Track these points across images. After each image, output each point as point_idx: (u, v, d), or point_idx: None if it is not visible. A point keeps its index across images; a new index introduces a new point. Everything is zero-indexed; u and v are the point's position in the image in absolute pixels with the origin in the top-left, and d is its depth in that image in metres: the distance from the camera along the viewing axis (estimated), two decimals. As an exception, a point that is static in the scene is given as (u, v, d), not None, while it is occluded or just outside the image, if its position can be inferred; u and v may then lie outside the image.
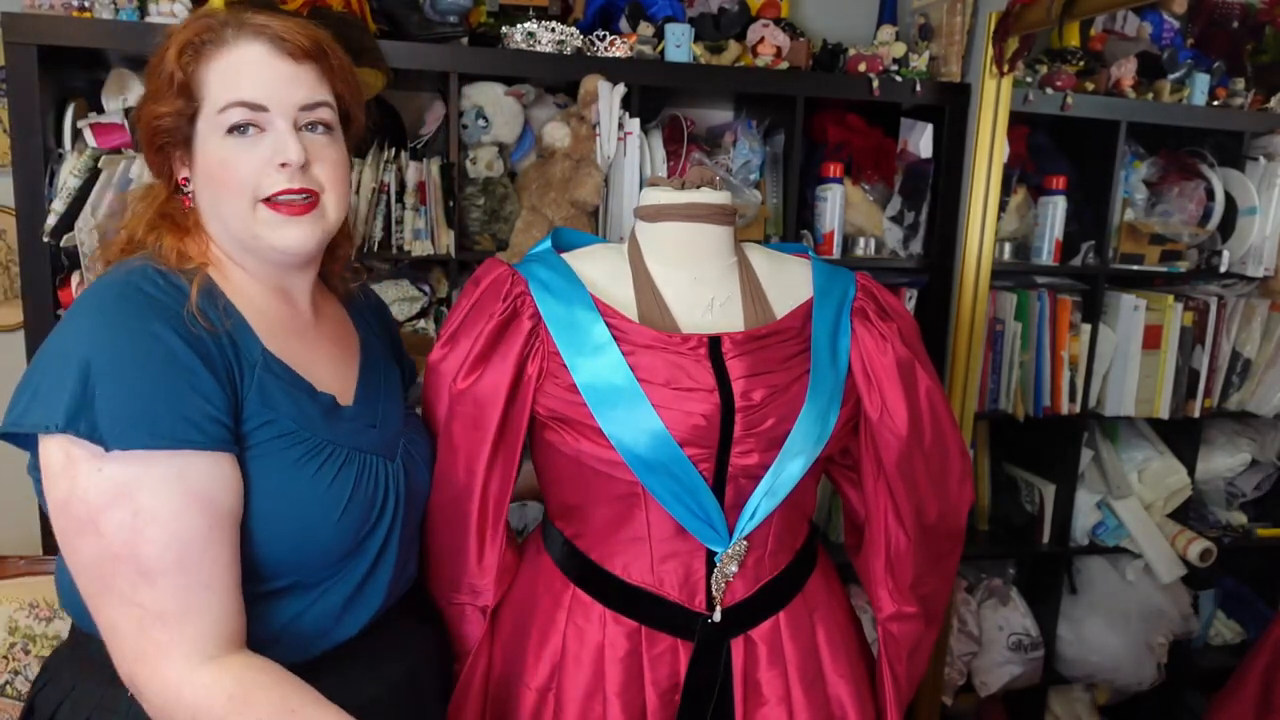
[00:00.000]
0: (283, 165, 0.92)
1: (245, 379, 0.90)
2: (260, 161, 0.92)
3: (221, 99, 0.91)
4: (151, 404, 0.82)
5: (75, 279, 1.67)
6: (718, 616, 1.09)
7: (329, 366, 1.02)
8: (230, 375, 0.89)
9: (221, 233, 0.96)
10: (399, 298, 1.84)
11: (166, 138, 0.94)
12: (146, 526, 0.82)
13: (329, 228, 0.98)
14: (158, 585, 0.82)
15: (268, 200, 0.93)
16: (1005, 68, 1.85)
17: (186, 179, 0.97)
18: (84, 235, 1.60)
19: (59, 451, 0.83)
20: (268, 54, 0.93)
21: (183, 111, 0.92)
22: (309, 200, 0.95)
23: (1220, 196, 2.29)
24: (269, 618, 0.93)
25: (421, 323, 1.89)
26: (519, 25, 1.83)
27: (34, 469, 0.90)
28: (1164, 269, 2.27)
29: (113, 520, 0.82)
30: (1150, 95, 2.17)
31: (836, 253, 2.04)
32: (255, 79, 0.92)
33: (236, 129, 0.92)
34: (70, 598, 0.94)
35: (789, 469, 1.04)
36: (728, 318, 1.10)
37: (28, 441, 0.87)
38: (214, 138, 0.92)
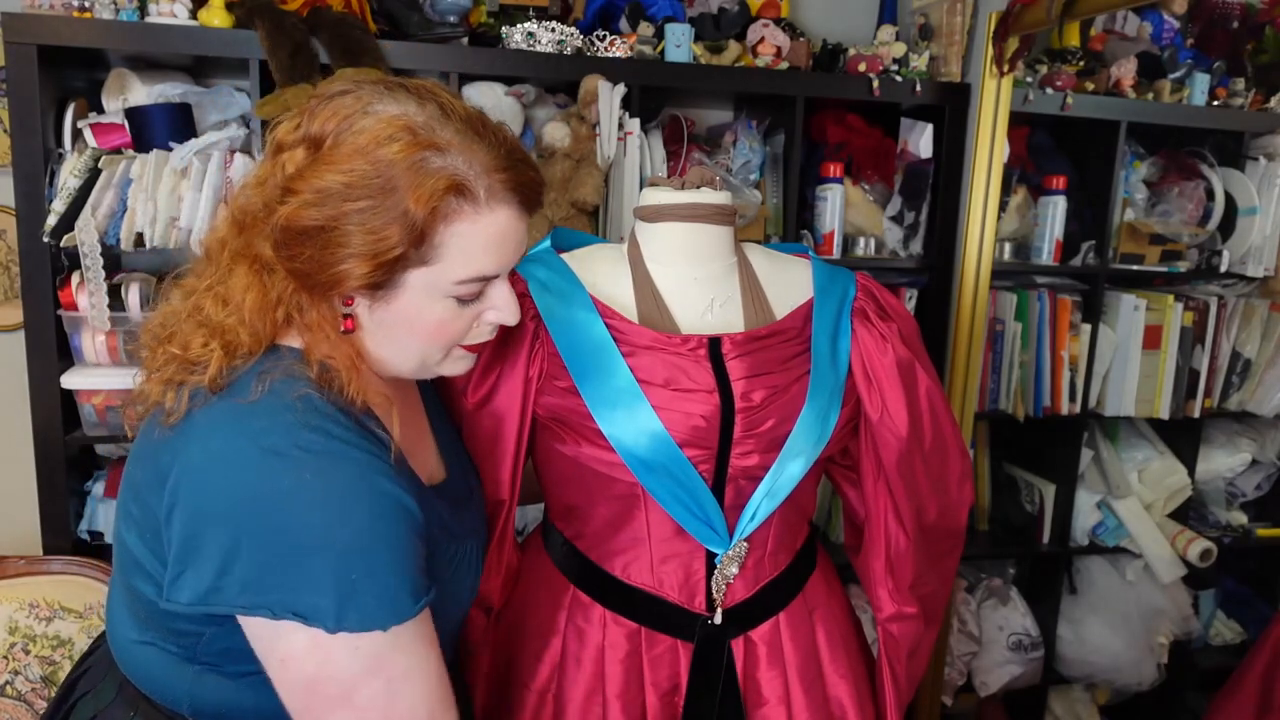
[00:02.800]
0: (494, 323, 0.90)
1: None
2: (474, 316, 0.89)
3: (461, 271, 0.83)
4: (404, 574, 0.78)
5: (75, 279, 1.67)
6: (718, 618, 1.09)
7: (420, 442, 0.97)
8: None
9: (386, 359, 0.89)
10: (399, 298, 1.84)
11: (362, 273, 0.80)
12: (401, 689, 0.79)
13: None
14: None
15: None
16: (1005, 68, 1.85)
17: (353, 299, 0.84)
18: (84, 235, 1.60)
19: (304, 638, 0.76)
20: (514, 218, 0.85)
21: (405, 259, 0.80)
22: None
23: (1220, 196, 2.29)
24: None
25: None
26: (519, 25, 1.83)
27: (202, 626, 0.81)
28: (1164, 269, 2.27)
29: (368, 691, 0.77)
30: (1150, 95, 2.17)
31: (836, 253, 2.04)
32: (501, 251, 0.85)
33: (464, 299, 0.85)
34: (155, 678, 0.87)
35: (789, 470, 1.04)
36: (728, 318, 1.10)
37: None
38: (435, 297, 0.84)
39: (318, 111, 0.82)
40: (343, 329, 0.85)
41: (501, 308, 0.89)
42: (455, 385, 1.06)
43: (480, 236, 0.83)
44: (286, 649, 0.77)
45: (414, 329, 0.85)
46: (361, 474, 0.77)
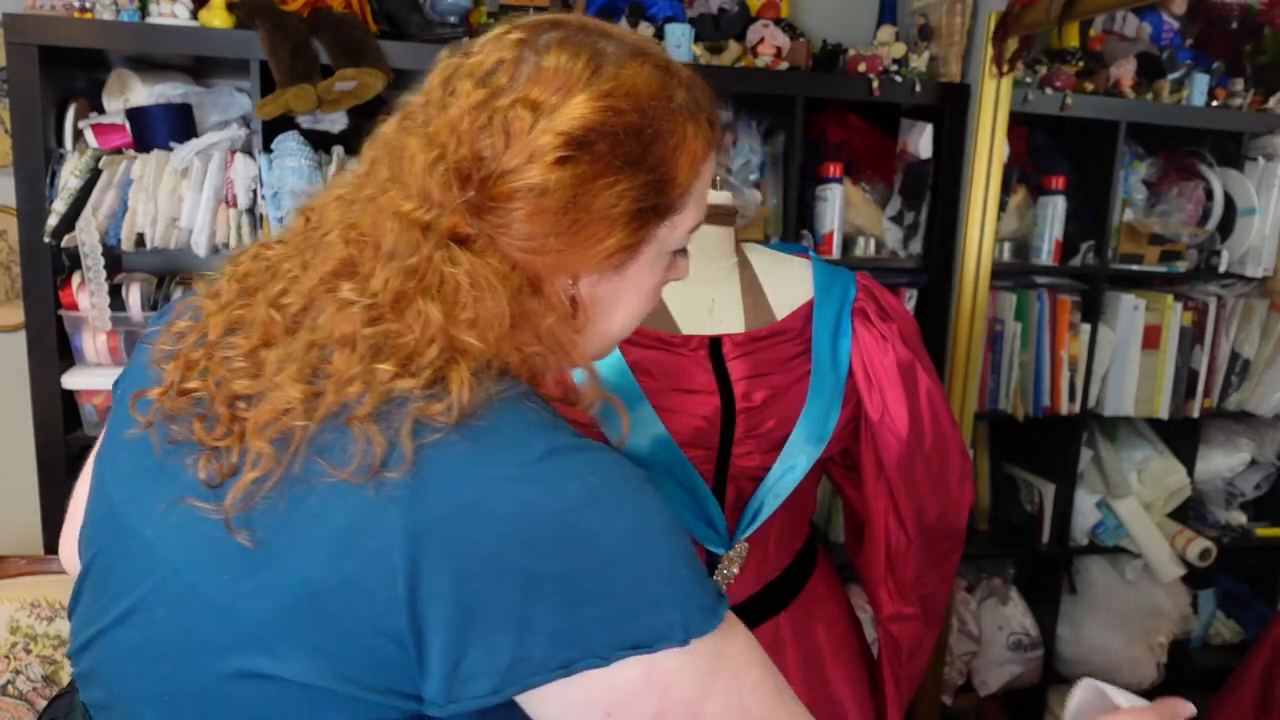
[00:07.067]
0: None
1: None
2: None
3: (693, 219, 0.72)
4: (697, 561, 0.64)
5: (76, 279, 1.67)
6: (718, 617, 1.09)
7: None
8: None
9: (586, 340, 0.73)
10: (399, 298, 1.84)
11: (624, 235, 0.66)
12: (744, 686, 0.63)
13: None
14: None
15: None
16: (1005, 68, 1.85)
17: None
18: (85, 236, 1.60)
19: (636, 673, 0.59)
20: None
21: (660, 210, 0.68)
22: None
23: (1219, 196, 2.29)
24: None
25: (422, 323, 1.89)
26: (519, 26, 1.83)
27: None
28: (1163, 269, 2.27)
29: (717, 700, 0.62)
30: (1150, 95, 2.17)
31: (836, 253, 2.04)
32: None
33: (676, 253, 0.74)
34: None
35: (790, 470, 1.04)
36: (728, 319, 1.10)
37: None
38: (663, 254, 0.72)
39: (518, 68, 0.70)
40: (574, 317, 0.69)
41: (682, 268, 0.76)
42: None
43: (706, 179, 0.72)
44: (615, 696, 0.59)
45: (640, 291, 0.72)
46: (620, 462, 0.62)
